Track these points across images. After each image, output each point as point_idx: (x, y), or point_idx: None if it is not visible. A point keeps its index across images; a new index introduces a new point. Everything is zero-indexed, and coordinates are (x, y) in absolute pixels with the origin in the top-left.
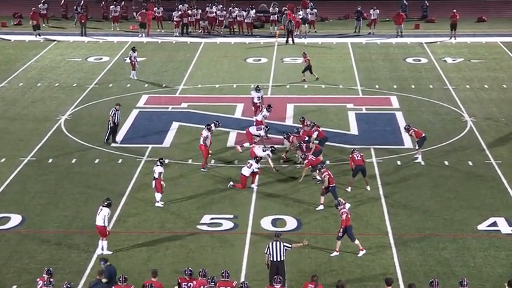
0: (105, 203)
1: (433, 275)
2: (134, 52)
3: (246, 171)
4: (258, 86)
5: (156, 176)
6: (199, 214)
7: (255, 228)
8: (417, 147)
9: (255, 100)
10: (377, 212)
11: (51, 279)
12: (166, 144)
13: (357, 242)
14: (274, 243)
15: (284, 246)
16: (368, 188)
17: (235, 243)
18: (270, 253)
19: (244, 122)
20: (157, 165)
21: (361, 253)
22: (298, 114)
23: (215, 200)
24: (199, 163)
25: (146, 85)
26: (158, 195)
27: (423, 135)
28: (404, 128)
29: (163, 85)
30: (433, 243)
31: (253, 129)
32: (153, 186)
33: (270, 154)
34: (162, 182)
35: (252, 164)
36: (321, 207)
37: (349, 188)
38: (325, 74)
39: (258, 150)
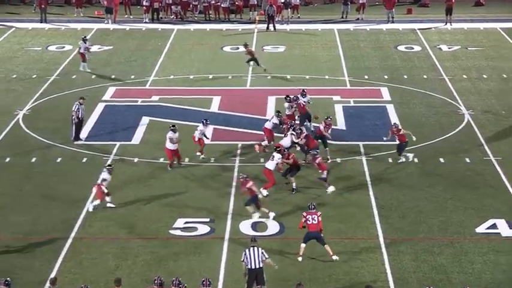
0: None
1: (428, 282)
2: (85, 42)
3: (270, 165)
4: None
5: (99, 181)
6: (172, 218)
7: (234, 233)
8: (398, 153)
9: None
10: (366, 214)
11: None
12: (136, 141)
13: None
14: (251, 249)
15: (262, 252)
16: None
17: (211, 249)
18: (247, 260)
19: (222, 116)
20: (104, 171)
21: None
22: (281, 107)
23: (189, 202)
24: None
25: (113, 76)
26: (108, 198)
27: (406, 141)
28: (393, 126)
29: (132, 76)
30: (428, 248)
31: (269, 124)
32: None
33: (294, 133)
34: (104, 189)
35: (274, 156)
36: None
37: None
38: (309, 64)
39: (285, 142)
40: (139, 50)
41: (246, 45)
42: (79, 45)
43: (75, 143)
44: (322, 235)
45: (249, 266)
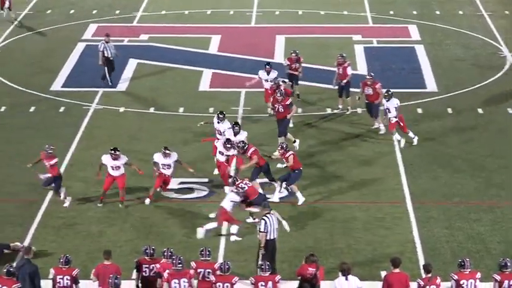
0: None
1: (463, 253)
2: None
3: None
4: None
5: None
6: None
7: None
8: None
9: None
10: (392, 174)
11: None
12: (122, 87)
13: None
14: (270, 216)
15: (277, 219)
16: None
17: (210, 215)
18: (268, 230)
19: (222, 58)
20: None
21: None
22: (290, 48)
23: (185, 160)
24: (163, 112)
25: (95, 11)
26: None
27: (300, 168)
28: (281, 148)
29: (117, 12)
30: (463, 214)
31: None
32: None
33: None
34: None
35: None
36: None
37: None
38: None
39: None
40: None
41: None
42: None
43: (52, 89)
44: None
45: (269, 237)
